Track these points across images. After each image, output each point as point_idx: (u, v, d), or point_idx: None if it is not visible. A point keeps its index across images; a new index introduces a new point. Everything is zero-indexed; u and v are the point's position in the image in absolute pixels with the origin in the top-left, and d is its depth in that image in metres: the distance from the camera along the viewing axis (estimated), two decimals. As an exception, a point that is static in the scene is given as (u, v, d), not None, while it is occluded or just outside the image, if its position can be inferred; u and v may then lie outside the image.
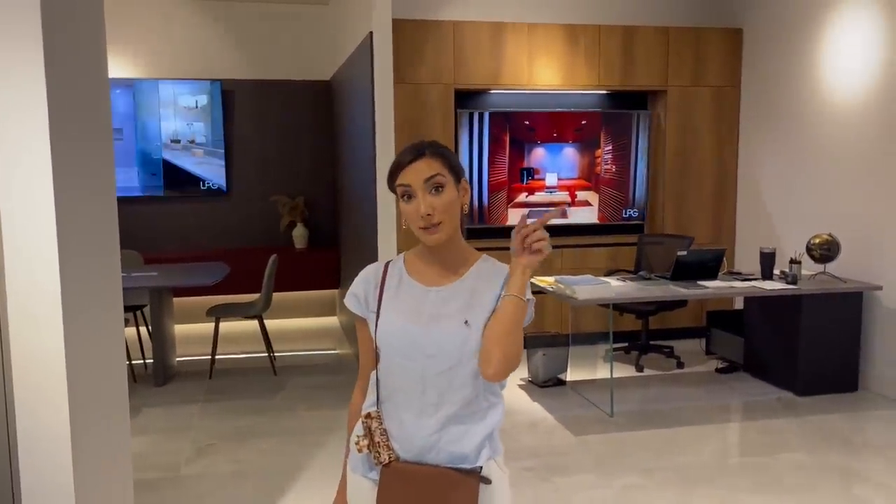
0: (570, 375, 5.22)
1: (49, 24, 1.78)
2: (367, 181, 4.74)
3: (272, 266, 5.44)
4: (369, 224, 4.75)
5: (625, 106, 6.27)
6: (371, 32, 4.47)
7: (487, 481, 1.53)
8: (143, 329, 5.53)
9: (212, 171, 6.96)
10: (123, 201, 6.85)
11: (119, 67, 6.76)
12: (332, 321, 7.27)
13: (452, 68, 5.71)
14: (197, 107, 6.85)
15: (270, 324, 6.64)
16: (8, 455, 1.83)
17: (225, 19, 6.93)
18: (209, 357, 5.39)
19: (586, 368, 5.51)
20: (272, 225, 7.13)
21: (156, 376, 5.11)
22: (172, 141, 6.88)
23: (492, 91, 5.95)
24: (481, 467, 1.54)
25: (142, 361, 5.51)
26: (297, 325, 7.10)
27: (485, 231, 5.94)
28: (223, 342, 6.02)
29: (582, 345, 5.90)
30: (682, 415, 4.51)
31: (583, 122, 6.09)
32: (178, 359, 5.71)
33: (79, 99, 2.03)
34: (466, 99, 5.93)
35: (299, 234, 7.10)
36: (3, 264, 1.78)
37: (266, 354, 5.56)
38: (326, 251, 7.03)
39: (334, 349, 6.26)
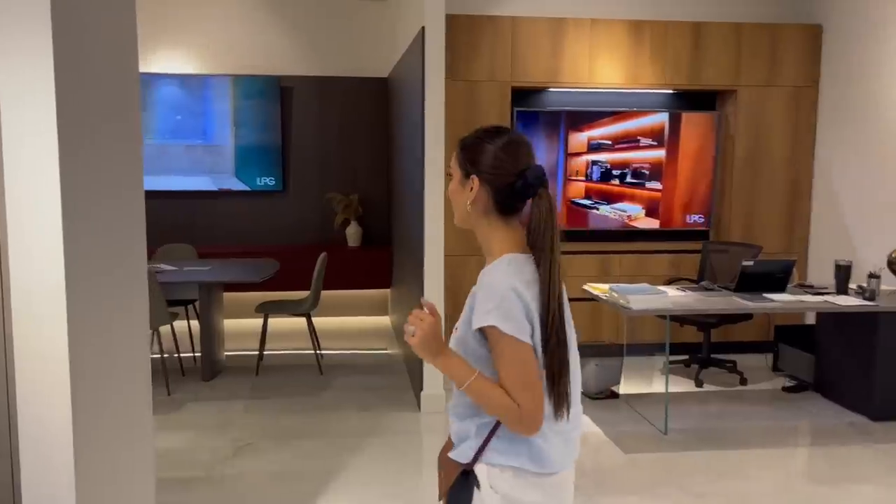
0: (624, 388, 4.98)
1: (60, 18, 1.71)
2: (416, 180, 4.61)
3: (321, 265, 5.38)
4: (417, 224, 4.63)
5: (691, 106, 5.97)
6: (423, 27, 4.34)
7: (469, 477, 1.54)
8: (194, 323, 5.56)
9: (268, 167, 6.98)
10: (182, 196, 7.02)
11: (179, 63, 6.84)
12: (383, 321, 7.20)
13: (509, 65, 5.53)
14: (255, 103, 6.87)
15: (321, 321, 6.61)
16: (9, 455, 1.77)
17: (284, 15, 6.94)
18: (258, 353, 5.38)
19: (641, 381, 5.25)
20: (327, 222, 7.10)
21: (203, 371, 5.12)
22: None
23: (550, 89, 5.74)
24: (465, 464, 1.55)
25: (192, 355, 5.54)
26: (348, 323, 7.06)
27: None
28: (273, 338, 6.02)
29: (638, 355, 5.64)
30: (743, 436, 4.23)
31: (646, 123, 5.82)
32: (226, 353, 5.73)
33: (94, 96, 1.97)
34: (523, 97, 5.75)
35: (353, 233, 7.05)
36: (7, 261, 1.71)
37: (313, 352, 5.52)
38: (379, 250, 6.96)
39: (384, 349, 6.17)
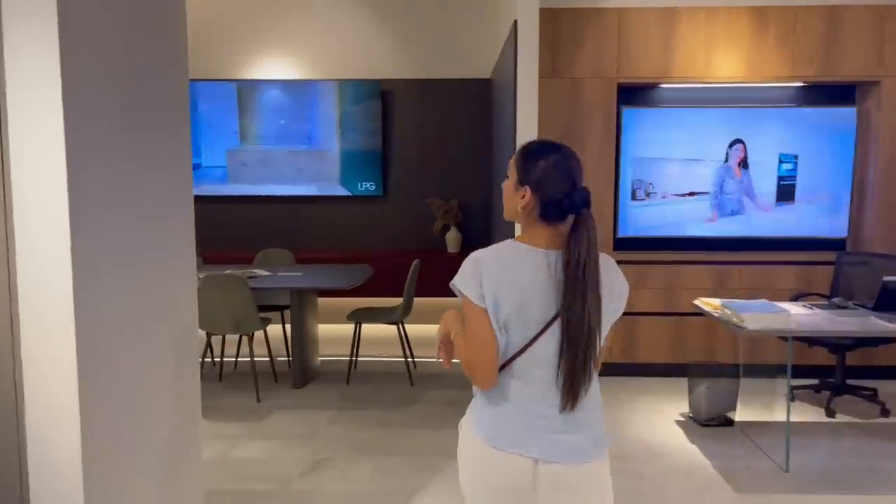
0: (740, 415, 4.47)
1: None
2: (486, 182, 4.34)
3: (414, 272, 5.21)
4: (508, 229, 4.36)
5: (825, 101, 5.33)
6: (515, 21, 4.07)
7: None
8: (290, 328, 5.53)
9: (369, 172, 6.91)
10: (286, 201, 7.09)
11: (285, 69, 6.91)
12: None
13: (615, 60, 5.15)
14: (357, 108, 6.83)
15: (417, 329, 6.45)
16: (18, 464, 1.65)
17: (385, 18, 6.85)
18: (349, 360, 5.28)
19: (761, 408, 4.71)
20: (426, 228, 6.95)
21: (294, 378, 5.07)
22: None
23: (661, 85, 5.29)
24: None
25: (287, 359, 5.52)
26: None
27: (658, 242, 5.32)
28: (368, 344, 5.91)
29: (757, 377, 5.08)
30: (882, 478, 3.64)
31: (771, 120, 5.25)
32: (321, 358, 5.67)
33: (117, 97, 1.84)
34: (631, 94, 5.33)
35: (452, 238, 6.85)
36: (15, 268, 1.60)
37: (405, 361, 5.35)
38: (479, 257, 6.72)
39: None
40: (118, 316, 1.81)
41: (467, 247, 6.93)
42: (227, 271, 5.07)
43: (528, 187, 1.73)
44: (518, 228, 1.94)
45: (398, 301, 5.48)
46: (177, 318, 2.16)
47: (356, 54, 6.88)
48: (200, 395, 2.49)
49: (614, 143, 5.23)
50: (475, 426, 1.76)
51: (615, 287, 1.74)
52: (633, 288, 5.34)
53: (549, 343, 1.67)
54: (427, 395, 4.96)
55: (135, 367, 1.88)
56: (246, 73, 6.92)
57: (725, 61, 5.13)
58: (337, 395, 4.95)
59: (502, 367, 1.72)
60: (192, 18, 6.86)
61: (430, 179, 6.98)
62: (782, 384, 5.02)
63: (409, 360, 5.33)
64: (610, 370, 5.29)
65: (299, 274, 5.25)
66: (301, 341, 5.04)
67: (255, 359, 5.53)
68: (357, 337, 5.28)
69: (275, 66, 6.94)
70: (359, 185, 6.93)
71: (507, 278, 1.67)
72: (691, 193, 5.30)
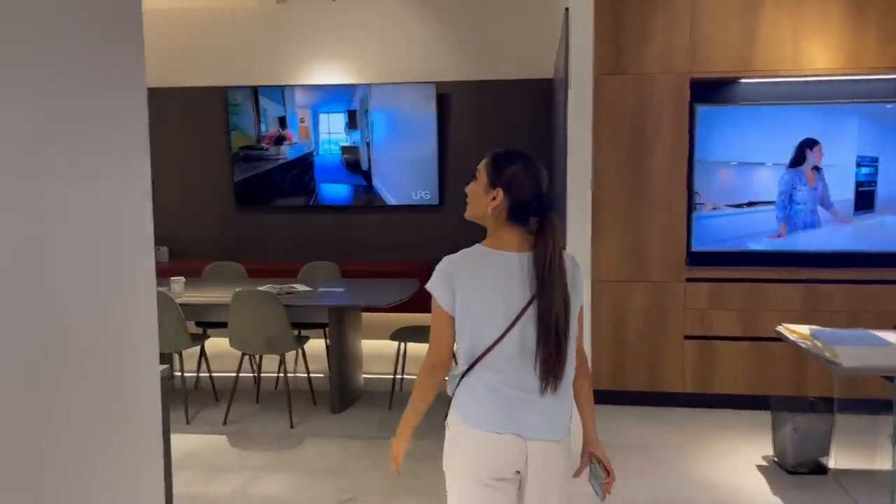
0: (835, 461, 3.83)
1: None
2: (559, 191, 3.86)
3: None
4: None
5: (938, 94, 4.60)
6: (566, 9, 3.60)
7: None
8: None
9: (425, 180, 6.54)
10: (338, 210, 6.80)
11: (337, 74, 6.63)
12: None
13: (688, 53, 4.59)
14: (411, 113, 6.47)
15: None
16: None
17: (440, 18, 6.48)
18: (392, 379, 4.90)
19: (860, 453, 4.04)
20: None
21: (332, 403, 4.73)
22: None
23: (741, 80, 4.68)
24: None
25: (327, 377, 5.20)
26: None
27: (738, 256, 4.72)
28: (415, 360, 5.52)
29: (856, 415, 4.39)
30: None
31: (872, 119, 4.56)
32: (365, 376, 5.34)
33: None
34: (706, 90, 4.75)
35: (512, 251, 6.39)
36: None
37: (454, 387, 4.93)
38: (540, 271, 6.23)
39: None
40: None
41: (528, 259, 6.46)
42: (263, 287, 4.79)
43: (500, 189, 1.90)
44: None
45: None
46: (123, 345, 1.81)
47: (409, 56, 6.54)
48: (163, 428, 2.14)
49: (688, 145, 4.66)
50: (464, 417, 1.90)
51: (576, 279, 1.92)
52: (709, 308, 4.78)
53: (518, 336, 1.84)
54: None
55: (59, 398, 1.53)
56: (295, 79, 6.68)
57: (817, 52, 4.49)
58: (377, 421, 4.57)
59: (475, 361, 1.88)
60: (241, 25, 6.68)
61: (488, 187, 6.56)
62: (886, 424, 4.32)
63: (457, 384, 4.90)
64: (681, 400, 4.71)
65: (340, 290, 4.92)
66: (340, 363, 4.70)
67: (297, 375, 5.23)
68: (402, 357, 4.90)
69: (324, 72, 6.68)
70: (413, 193, 6.57)
71: (480, 284, 1.85)
72: (750, 204, 4.67)
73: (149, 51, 6.99)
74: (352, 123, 6.54)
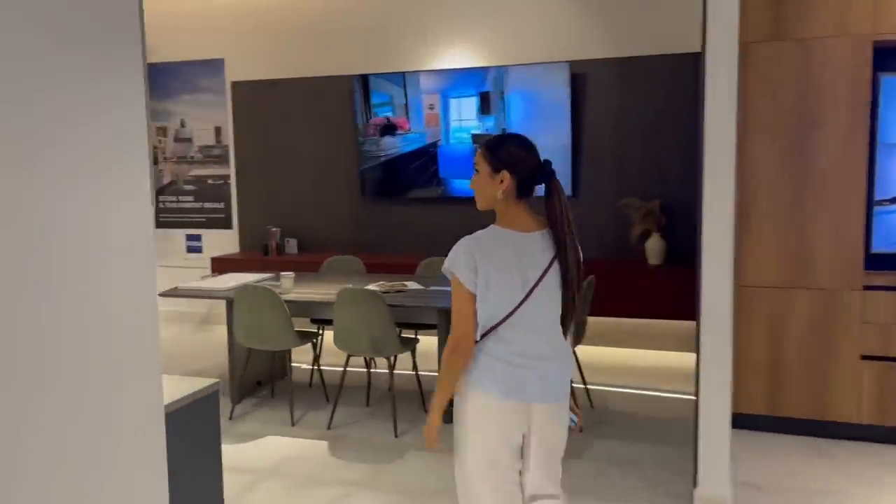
0: None
1: None
2: (698, 181, 3.24)
3: (586, 290, 4.26)
4: (697, 236, 3.27)
5: None
6: (705, -39, 2.96)
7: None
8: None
9: (556, 168, 6.00)
10: (459, 202, 6.42)
11: (467, 57, 6.25)
12: (684, 359, 5.66)
13: (871, 10, 3.74)
14: (542, 95, 5.96)
15: (600, 353, 5.48)
16: None
17: (579, -10, 5.90)
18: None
19: None
20: (622, 234, 5.88)
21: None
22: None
23: (943, 41, 3.76)
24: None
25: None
26: (641, 358, 5.73)
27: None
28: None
29: None
30: None
31: None
32: None
33: None
34: (892, 56, 3.87)
35: (654, 247, 5.72)
36: None
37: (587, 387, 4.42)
38: (685, 269, 5.49)
39: (680, 392, 4.77)
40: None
41: (673, 257, 5.75)
42: (373, 285, 4.52)
43: (505, 171, 2.04)
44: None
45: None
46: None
47: (537, 33, 6.02)
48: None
49: (867, 125, 3.82)
50: (483, 387, 2.03)
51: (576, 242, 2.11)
52: (894, 323, 3.90)
53: (532, 306, 2.01)
54: (600, 447, 3.98)
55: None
56: (414, 64, 6.38)
57: None
58: (488, 435, 4.16)
59: (486, 333, 2.03)
60: (362, 13, 6.47)
61: (627, 176, 5.91)
62: None
63: (587, 386, 4.38)
64: (855, 433, 3.91)
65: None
66: (450, 368, 4.33)
67: (410, 374, 4.94)
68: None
69: (446, 56, 6.32)
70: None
71: (500, 263, 1.99)
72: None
73: (274, 43, 6.80)
74: (483, 109, 6.12)
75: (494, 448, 2.05)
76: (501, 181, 2.04)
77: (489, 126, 6.11)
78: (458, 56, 6.29)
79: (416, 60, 6.40)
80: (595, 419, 4.37)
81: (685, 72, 5.57)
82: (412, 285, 4.64)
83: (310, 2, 6.60)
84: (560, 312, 2.08)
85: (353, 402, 4.70)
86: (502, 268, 1.99)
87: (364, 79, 6.38)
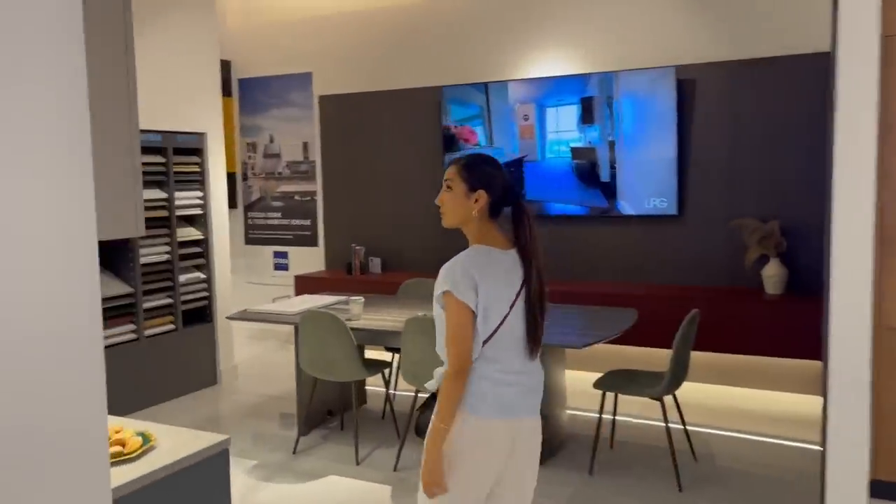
0: None
1: None
2: (822, 196, 2.65)
3: (688, 327, 3.69)
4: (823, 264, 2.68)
5: None
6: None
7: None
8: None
9: (661, 185, 5.42)
10: (550, 220, 5.92)
11: (562, 64, 5.78)
12: (806, 403, 4.90)
13: None
14: (643, 103, 5.40)
15: (713, 391, 4.87)
16: None
17: (687, -13, 5.32)
18: (594, 437, 3.95)
19: None
20: (735, 258, 5.22)
21: (518, 456, 3.91)
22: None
23: None
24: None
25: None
26: (753, 399, 5.03)
27: None
28: (622, 423, 4.50)
29: None
30: None
31: None
32: (569, 412, 4.52)
33: None
34: None
35: (772, 274, 5.03)
36: None
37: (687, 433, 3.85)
38: (809, 301, 4.76)
39: (802, 441, 4.09)
40: None
41: (794, 287, 5.04)
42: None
43: (482, 190, 2.09)
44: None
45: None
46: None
47: (639, 35, 5.47)
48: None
49: None
50: (480, 409, 2.03)
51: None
52: None
53: (511, 324, 2.05)
54: (712, 490, 3.40)
55: None
56: (504, 73, 5.97)
57: None
58: (572, 486, 3.67)
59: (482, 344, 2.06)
60: (450, 23, 6.14)
61: (741, 193, 5.25)
62: None
63: (686, 429, 3.80)
64: None
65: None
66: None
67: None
68: (610, 404, 3.94)
69: (536, 64, 5.87)
70: (646, 201, 5.49)
71: (494, 282, 2.03)
72: None
73: (360, 55, 6.47)
74: (585, 119, 5.62)
75: (485, 472, 2.05)
76: (476, 200, 2.08)
77: (592, 138, 5.59)
78: (549, 64, 5.84)
79: (505, 69, 6.00)
80: (698, 471, 3.78)
81: (809, 74, 4.87)
82: (490, 314, 4.22)
83: (398, 13, 6.35)
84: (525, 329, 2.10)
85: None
86: (497, 286, 2.02)
87: (450, 90, 6.04)
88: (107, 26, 1.62)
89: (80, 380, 1.25)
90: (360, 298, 4.33)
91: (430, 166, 6.23)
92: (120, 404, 4.91)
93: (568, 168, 5.71)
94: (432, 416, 2.02)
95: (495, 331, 2.01)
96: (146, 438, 1.94)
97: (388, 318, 4.26)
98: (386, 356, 4.98)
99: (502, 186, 2.10)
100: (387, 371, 4.53)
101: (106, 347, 4.77)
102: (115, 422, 2.01)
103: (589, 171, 5.64)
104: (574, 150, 5.66)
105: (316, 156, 6.90)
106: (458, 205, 2.10)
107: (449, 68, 6.17)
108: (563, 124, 5.70)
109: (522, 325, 2.07)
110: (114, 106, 1.62)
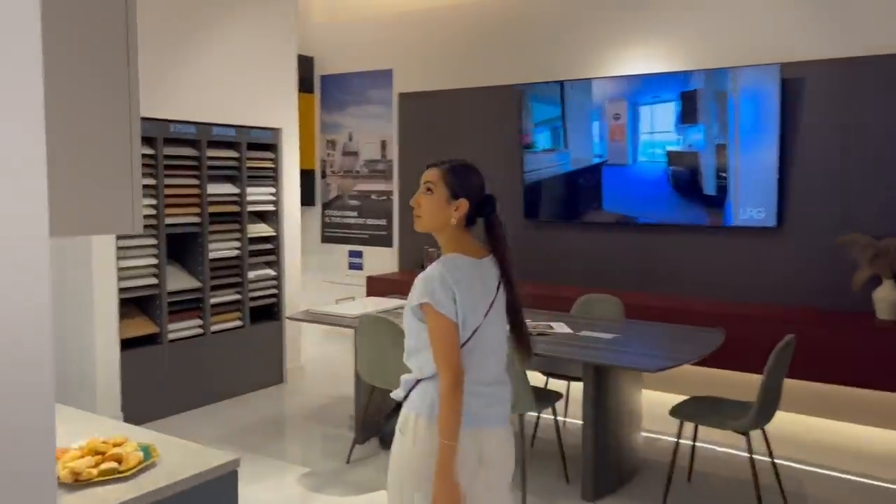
0: None
1: None
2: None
3: (782, 353, 3.28)
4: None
5: None
6: None
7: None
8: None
9: (759, 194, 4.95)
10: (636, 229, 5.53)
11: (654, 62, 5.39)
12: (929, 446, 4.36)
13: None
14: (743, 104, 4.94)
15: (808, 423, 4.39)
16: None
17: (797, -23, 4.82)
18: (669, 470, 3.58)
19: None
20: (842, 278, 4.69)
21: (582, 487, 3.59)
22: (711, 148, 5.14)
23: None
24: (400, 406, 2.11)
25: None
26: (855, 435, 4.49)
27: None
28: (703, 455, 4.08)
29: None
30: None
31: None
32: (645, 434, 4.15)
33: None
34: None
35: (885, 297, 4.48)
36: None
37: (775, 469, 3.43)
38: (929, 331, 4.21)
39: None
40: None
41: (910, 311, 4.47)
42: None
43: (463, 199, 2.02)
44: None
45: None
46: None
47: (739, 30, 5.01)
48: None
49: None
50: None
51: None
52: None
53: (484, 334, 1.99)
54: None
55: None
56: (587, 71, 5.62)
57: None
58: (639, 524, 3.33)
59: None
60: (526, 16, 5.86)
61: (851, 205, 4.71)
62: None
63: (774, 461, 3.38)
64: None
65: (609, 336, 3.76)
66: (594, 435, 3.54)
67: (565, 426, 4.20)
68: (689, 430, 3.56)
69: (625, 61, 5.49)
70: (742, 211, 5.03)
71: (470, 293, 1.97)
72: None
73: (441, 52, 6.23)
74: (686, 118, 5.22)
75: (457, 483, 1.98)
76: (457, 209, 2.02)
77: (695, 141, 5.14)
78: (638, 61, 5.45)
79: (589, 67, 5.65)
80: (799, 498, 3.36)
81: (939, 73, 4.30)
82: (559, 328, 3.91)
83: (482, 7, 6.11)
84: (504, 337, 2.10)
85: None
86: (472, 297, 1.98)
87: (529, 88, 5.75)
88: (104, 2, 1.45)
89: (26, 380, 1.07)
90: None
91: (509, 168, 5.96)
92: (183, 399, 4.91)
93: (663, 175, 5.29)
94: (439, 437, 1.91)
95: (467, 341, 1.96)
96: (148, 453, 1.78)
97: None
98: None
99: (482, 196, 2.05)
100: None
101: (172, 341, 4.80)
102: (121, 432, 1.86)
103: (689, 180, 5.19)
104: (671, 154, 5.24)
105: (393, 155, 6.76)
106: (437, 209, 2.03)
107: (532, 65, 5.88)
108: (659, 124, 5.28)
109: (498, 335, 2.06)
110: (107, 90, 1.46)
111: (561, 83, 5.60)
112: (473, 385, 1.97)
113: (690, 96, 5.12)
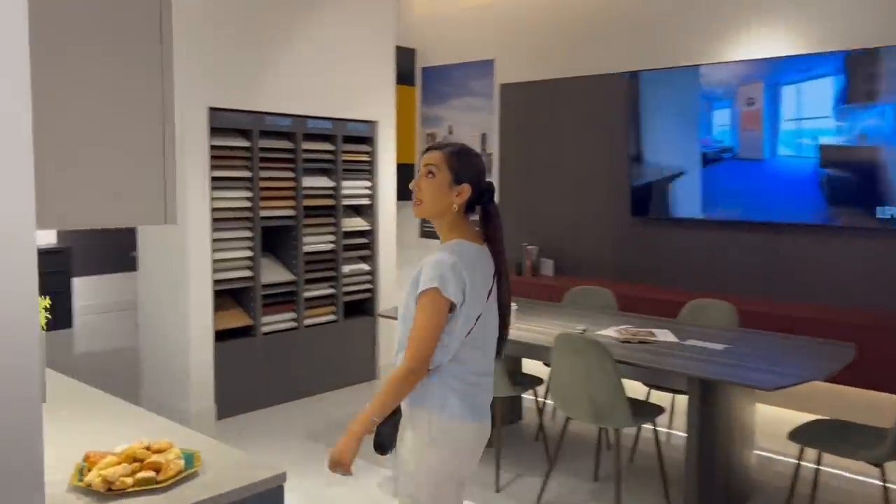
0: None
1: None
2: None
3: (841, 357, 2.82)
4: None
5: None
6: None
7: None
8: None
9: (893, 191, 4.38)
10: (752, 228, 5.01)
11: (773, 44, 4.90)
12: None
13: None
14: (871, 88, 4.38)
15: None
16: None
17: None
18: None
19: None
20: None
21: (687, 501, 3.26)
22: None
23: None
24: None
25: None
26: None
27: None
28: (825, 488, 3.62)
29: None
30: None
31: None
32: (758, 452, 3.75)
33: None
34: None
35: None
36: None
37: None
38: None
39: None
40: None
41: None
42: (612, 329, 3.58)
43: (466, 184, 1.97)
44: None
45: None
46: None
47: (822, 18, 4.44)
48: None
49: None
50: (448, 411, 1.92)
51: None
52: None
53: (482, 324, 1.97)
54: None
55: None
56: (701, 57, 5.17)
57: None
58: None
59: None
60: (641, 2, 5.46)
61: None
62: None
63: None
64: None
65: (719, 347, 3.39)
66: (698, 456, 3.20)
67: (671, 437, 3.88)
68: (812, 453, 3.15)
69: (739, 46, 5.00)
70: (877, 210, 4.47)
71: (474, 280, 1.93)
72: None
73: (544, 40, 5.94)
74: (850, 98, 4.69)
75: (462, 475, 2.00)
76: (459, 194, 1.97)
77: (864, 129, 4.47)
78: (752, 46, 4.96)
79: (703, 52, 5.21)
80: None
81: None
82: (662, 335, 3.58)
83: (587, -10, 5.78)
84: (497, 326, 2.06)
85: (578, 471, 3.79)
86: (476, 285, 1.93)
87: (640, 75, 5.37)
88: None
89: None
90: (513, 305, 3.89)
91: (616, 161, 5.61)
92: (274, 392, 4.91)
93: (813, 172, 4.73)
94: (367, 405, 1.87)
95: (473, 328, 1.93)
96: (191, 461, 1.66)
97: (546, 328, 3.77)
98: (544, 371, 4.50)
99: (483, 184, 2.01)
100: (540, 388, 4.07)
101: (265, 334, 4.80)
102: (166, 439, 1.75)
103: (853, 182, 4.60)
104: (823, 147, 4.67)
105: (493, 148, 6.54)
106: (439, 194, 1.97)
107: (641, 52, 5.49)
108: (809, 110, 4.67)
109: (494, 325, 2.03)
110: (138, 74, 1.33)
111: (671, 69, 5.19)
112: (473, 375, 1.96)
113: (861, 63, 4.40)
